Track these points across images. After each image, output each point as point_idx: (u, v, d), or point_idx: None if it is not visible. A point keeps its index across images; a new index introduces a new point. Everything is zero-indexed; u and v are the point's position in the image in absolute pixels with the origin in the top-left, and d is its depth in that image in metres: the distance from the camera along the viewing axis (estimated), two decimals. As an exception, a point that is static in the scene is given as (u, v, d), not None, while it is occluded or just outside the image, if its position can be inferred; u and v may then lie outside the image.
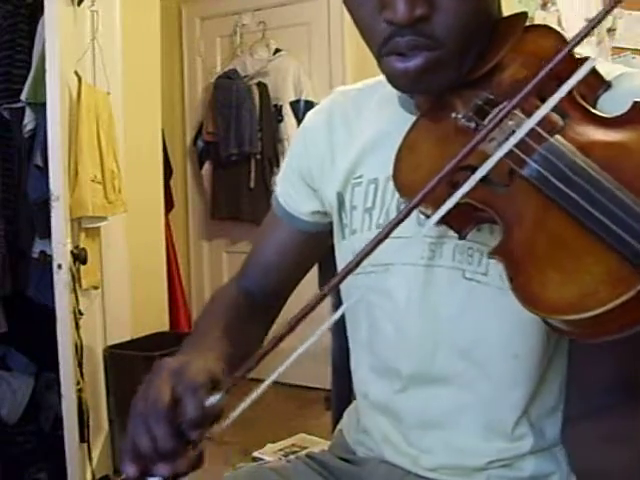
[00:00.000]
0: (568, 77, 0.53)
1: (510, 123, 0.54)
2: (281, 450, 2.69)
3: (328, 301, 0.91)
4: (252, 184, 3.60)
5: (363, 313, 0.86)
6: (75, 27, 2.25)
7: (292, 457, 0.99)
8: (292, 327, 0.58)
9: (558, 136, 0.52)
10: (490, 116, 0.56)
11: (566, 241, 0.49)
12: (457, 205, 0.55)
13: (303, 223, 0.94)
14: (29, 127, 2.23)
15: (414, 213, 0.58)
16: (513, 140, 0.52)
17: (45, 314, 2.19)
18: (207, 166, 3.87)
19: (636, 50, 2.64)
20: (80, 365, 2.20)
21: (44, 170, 2.14)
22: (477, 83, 0.54)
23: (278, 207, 0.96)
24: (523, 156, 0.53)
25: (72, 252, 2.15)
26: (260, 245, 1.01)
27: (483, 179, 0.54)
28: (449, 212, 0.55)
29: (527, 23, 0.66)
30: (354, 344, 0.91)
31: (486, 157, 0.54)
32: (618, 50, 2.66)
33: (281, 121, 3.62)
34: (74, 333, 2.15)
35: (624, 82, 0.65)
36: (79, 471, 2.17)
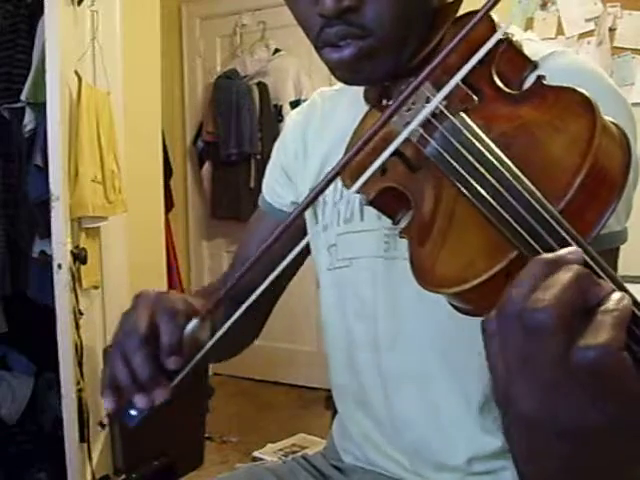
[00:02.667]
0: (488, 55, 0.54)
1: (426, 105, 0.55)
2: (281, 450, 2.69)
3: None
4: (252, 184, 3.60)
5: (338, 312, 0.87)
6: (75, 27, 2.25)
7: (288, 458, 1.00)
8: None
9: (462, 114, 0.53)
10: (403, 95, 0.56)
11: (456, 217, 0.51)
12: (384, 190, 0.58)
13: (284, 214, 0.96)
14: (29, 127, 2.23)
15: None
16: (415, 121, 0.54)
17: (45, 314, 2.19)
18: (207, 166, 3.88)
19: (636, 50, 2.63)
20: (80, 365, 2.20)
21: (44, 170, 2.14)
22: (417, 70, 0.55)
23: (263, 201, 1.00)
24: (426, 135, 0.54)
25: (72, 252, 2.15)
26: (246, 240, 1.04)
27: (405, 162, 0.56)
28: (375, 196, 0.58)
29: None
30: (331, 342, 0.92)
31: (405, 140, 0.55)
32: (618, 50, 2.65)
33: (281, 121, 3.62)
34: (74, 333, 2.15)
35: (550, 61, 0.65)
36: (79, 471, 2.17)
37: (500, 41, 0.55)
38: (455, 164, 0.50)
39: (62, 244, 2.08)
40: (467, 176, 0.49)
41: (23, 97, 2.21)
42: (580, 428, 0.38)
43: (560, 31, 2.74)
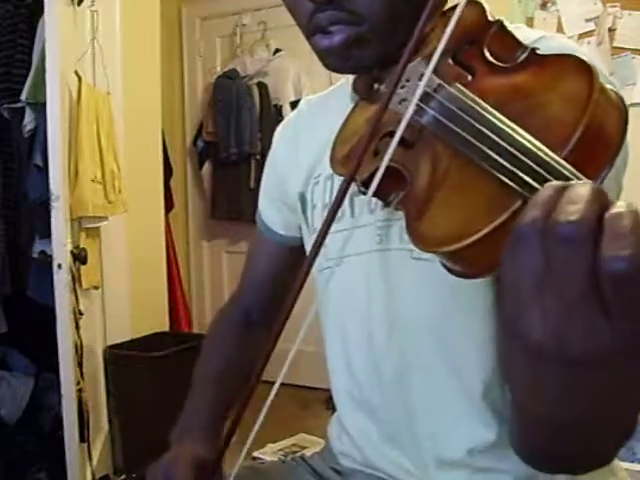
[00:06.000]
0: (479, 36, 0.55)
1: (419, 82, 0.56)
2: (281, 450, 2.69)
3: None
4: (252, 184, 3.60)
5: (332, 313, 0.87)
6: (75, 27, 2.25)
7: (287, 458, 1.00)
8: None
9: (458, 84, 0.54)
10: (397, 73, 0.56)
11: (454, 181, 0.51)
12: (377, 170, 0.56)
13: (280, 237, 0.98)
14: (29, 127, 2.23)
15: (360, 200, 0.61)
16: (417, 94, 0.54)
17: (45, 314, 2.19)
18: (207, 166, 3.88)
19: (636, 50, 2.63)
20: (80, 365, 2.20)
21: (44, 170, 2.14)
22: (409, 59, 0.55)
23: (260, 222, 1.01)
24: (423, 105, 0.55)
25: (72, 252, 2.15)
26: (251, 260, 1.05)
27: (400, 140, 0.55)
28: (368, 177, 0.57)
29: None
30: (328, 344, 0.91)
31: (399, 118, 0.55)
32: (618, 50, 2.65)
33: (281, 121, 3.62)
34: (74, 333, 2.15)
35: (540, 43, 0.65)
36: (79, 471, 2.17)
37: (491, 23, 0.56)
38: (454, 127, 0.51)
39: (62, 244, 2.08)
40: (467, 136, 0.49)
41: (23, 97, 2.21)
42: (592, 353, 0.38)
43: (560, 31, 2.74)
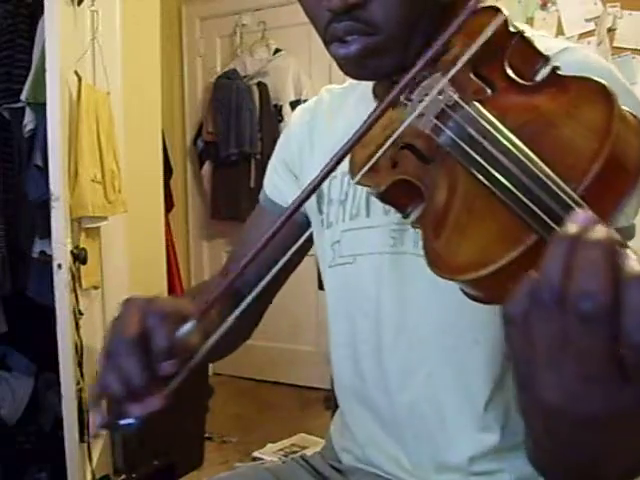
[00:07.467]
0: (501, 48, 0.54)
1: (439, 97, 0.55)
2: (281, 450, 2.69)
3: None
4: (252, 184, 3.60)
5: (342, 310, 0.87)
6: (75, 27, 2.25)
7: (287, 458, 0.99)
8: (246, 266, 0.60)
9: (476, 103, 0.53)
10: (401, 82, 0.56)
11: (472, 205, 0.51)
12: (395, 182, 0.57)
13: (283, 209, 0.96)
14: (29, 127, 2.23)
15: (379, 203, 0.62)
16: (424, 104, 0.54)
17: (45, 314, 2.19)
18: (207, 166, 3.88)
19: (636, 50, 2.63)
20: (80, 365, 2.20)
21: (44, 170, 2.14)
22: (425, 65, 0.55)
23: (264, 198, 0.99)
24: (439, 124, 0.54)
25: (72, 252, 2.15)
26: (245, 238, 1.02)
27: (417, 154, 0.56)
28: (386, 189, 0.58)
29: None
30: (335, 339, 0.91)
31: (417, 132, 0.55)
32: (618, 50, 2.65)
33: (281, 121, 3.63)
34: (74, 333, 2.15)
35: (563, 56, 0.66)
36: (79, 471, 2.17)
37: (512, 34, 0.55)
38: (470, 151, 0.50)
39: (62, 244, 2.08)
40: (483, 162, 0.49)
41: (23, 97, 2.21)
42: (609, 412, 0.38)
43: (560, 31, 2.74)
